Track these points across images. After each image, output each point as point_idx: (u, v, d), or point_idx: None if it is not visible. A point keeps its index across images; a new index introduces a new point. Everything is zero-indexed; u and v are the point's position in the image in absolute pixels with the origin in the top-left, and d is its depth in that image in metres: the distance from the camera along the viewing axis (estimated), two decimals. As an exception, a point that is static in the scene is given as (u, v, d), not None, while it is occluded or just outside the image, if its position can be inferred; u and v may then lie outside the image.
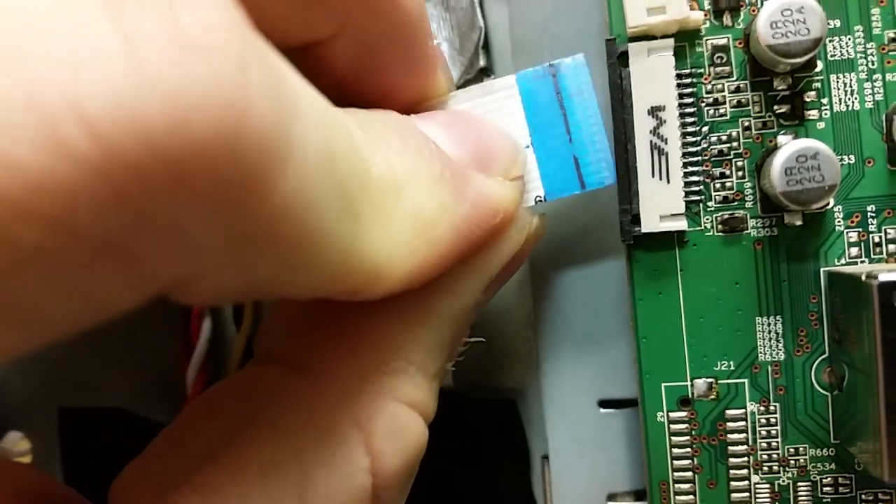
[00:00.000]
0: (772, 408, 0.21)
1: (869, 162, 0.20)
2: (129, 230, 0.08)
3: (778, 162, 0.19)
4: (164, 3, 0.08)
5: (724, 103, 0.20)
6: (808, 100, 0.20)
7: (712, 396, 0.21)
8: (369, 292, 0.13)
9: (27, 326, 0.09)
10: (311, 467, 0.13)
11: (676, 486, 0.21)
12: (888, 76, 0.20)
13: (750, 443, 0.21)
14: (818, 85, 0.20)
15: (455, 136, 0.16)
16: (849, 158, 0.20)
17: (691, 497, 0.21)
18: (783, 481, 0.21)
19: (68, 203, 0.08)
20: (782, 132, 0.20)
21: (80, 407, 0.25)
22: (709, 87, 0.20)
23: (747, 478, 0.21)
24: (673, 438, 0.21)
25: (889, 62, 0.20)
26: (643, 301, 0.21)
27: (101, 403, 0.25)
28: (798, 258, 0.20)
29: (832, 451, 0.20)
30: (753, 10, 0.20)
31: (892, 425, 0.17)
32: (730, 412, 0.21)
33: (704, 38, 0.20)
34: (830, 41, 0.20)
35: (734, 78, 0.20)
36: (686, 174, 0.20)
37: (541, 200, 0.18)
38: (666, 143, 0.19)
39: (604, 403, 0.23)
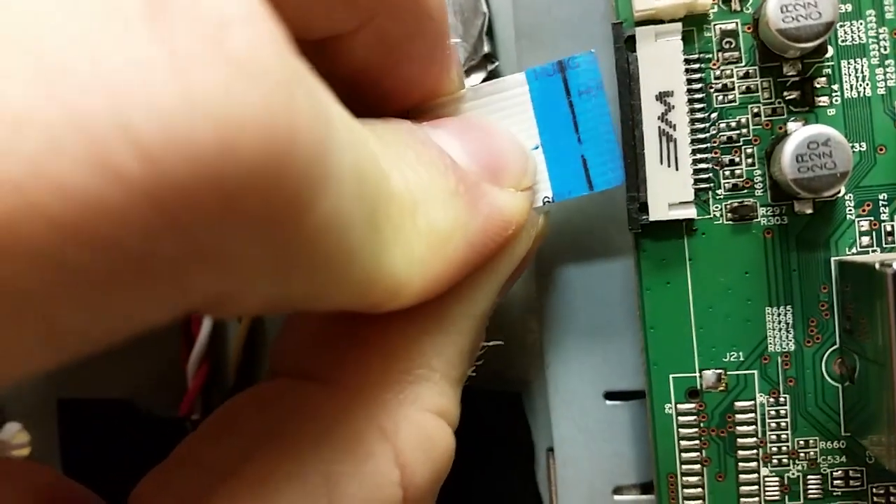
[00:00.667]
0: (781, 399, 0.20)
1: (881, 149, 0.19)
2: (176, 251, 0.08)
3: (789, 148, 0.18)
4: (211, 24, 0.08)
5: (733, 89, 0.20)
6: (818, 86, 0.20)
7: (721, 388, 0.20)
8: (390, 305, 0.13)
9: (62, 344, 0.09)
10: (337, 480, 0.13)
11: (684, 478, 0.21)
12: (901, 61, 0.19)
13: (759, 435, 0.20)
14: (829, 71, 0.20)
15: (468, 146, 0.16)
16: (860, 146, 0.19)
17: (699, 490, 0.21)
18: (793, 474, 0.20)
19: (117, 225, 0.08)
20: (792, 119, 0.20)
21: (79, 398, 0.25)
22: (717, 72, 0.20)
23: (756, 470, 0.20)
24: (681, 430, 0.21)
25: (902, 47, 0.19)
26: (651, 291, 0.20)
27: (100, 395, 0.25)
28: (808, 247, 0.20)
29: (843, 444, 0.20)
30: (763, -6, 0.19)
31: (906, 416, 0.17)
32: (739, 404, 0.20)
33: (713, 23, 0.20)
34: (842, 26, 0.19)
35: (743, 63, 0.20)
36: (695, 161, 0.19)
37: (549, 201, 0.18)
38: (674, 129, 0.19)
39: (609, 395, 0.23)
